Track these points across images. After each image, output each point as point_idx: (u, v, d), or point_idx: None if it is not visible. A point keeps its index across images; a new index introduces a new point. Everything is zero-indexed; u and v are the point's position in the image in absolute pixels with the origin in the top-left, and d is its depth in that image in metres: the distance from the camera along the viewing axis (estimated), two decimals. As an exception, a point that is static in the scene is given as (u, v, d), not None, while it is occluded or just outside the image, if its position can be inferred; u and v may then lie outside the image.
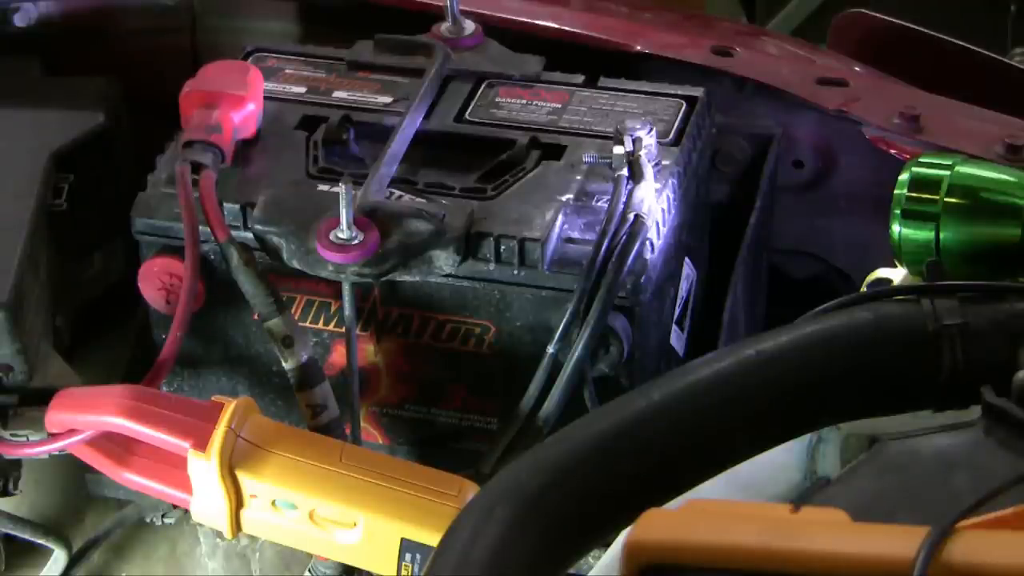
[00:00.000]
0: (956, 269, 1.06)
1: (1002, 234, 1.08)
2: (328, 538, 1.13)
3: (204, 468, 1.12)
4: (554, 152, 1.31)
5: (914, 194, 1.10)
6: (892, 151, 1.38)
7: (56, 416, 1.19)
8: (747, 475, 0.94)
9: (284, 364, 1.24)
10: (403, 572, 1.10)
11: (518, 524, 0.84)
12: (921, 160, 1.13)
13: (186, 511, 1.20)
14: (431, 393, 1.30)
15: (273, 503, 1.13)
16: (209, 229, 1.24)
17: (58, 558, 1.44)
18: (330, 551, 1.16)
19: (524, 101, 1.38)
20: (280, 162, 1.32)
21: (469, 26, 1.44)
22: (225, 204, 1.26)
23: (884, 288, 1.03)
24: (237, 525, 1.15)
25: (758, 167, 1.45)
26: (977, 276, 1.01)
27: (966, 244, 1.09)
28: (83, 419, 1.18)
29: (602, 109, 1.36)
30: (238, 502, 1.14)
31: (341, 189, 1.20)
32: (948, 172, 1.11)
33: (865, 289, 1.12)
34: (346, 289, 1.25)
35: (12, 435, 1.23)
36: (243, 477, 1.13)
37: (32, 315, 1.29)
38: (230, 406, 1.14)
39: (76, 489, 1.45)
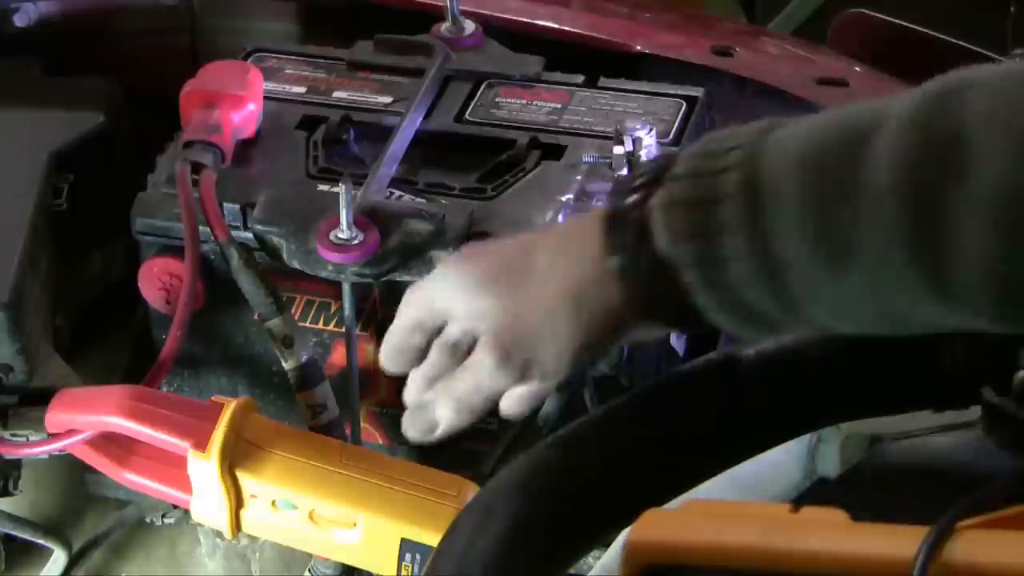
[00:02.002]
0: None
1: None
2: (328, 538, 1.13)
3: (204, 468, 1.12)
4: (554, 152, 1.32)
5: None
6: (892, 151, 1.38)
7: (56, 416, 1.19)
8: (747, 475, 0.94)
9: (284, 364, 1.24)
10: (403, 572, 1.10)
11: (518, 524, 0.84)
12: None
13: (186, 511, 1.20)
14: (431, 393, 1.30)
15: (273, 503, 1.13)
16: (209, 229, 1.24)
17: (58, 558, 1.44)
18: (330, 551, 1.16)
19: (524, 101, 1.38)
20: (280, 162, 1.32)
21: (469, 26, 1.44)
22: (225, 204, 1.26)
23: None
24: (237, 525, 1.15)
25: (758, 167, 1.45)
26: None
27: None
28: (83, 419, 1.18)
29: (602, 109, 1.36)
30: (238, 502, 1.14)
31: (341, 189, 1.20)
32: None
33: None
34: (346, 289, 1.25)
35: (12, 435, 1.23)
36: (243, 477, 1.13)
37: (32, 315, 1.29)
38: (230, 406, 1.14)
39: (76, 489, 1.45)
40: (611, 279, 0.89)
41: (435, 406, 0.98)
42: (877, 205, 0.79)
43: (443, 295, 0.97)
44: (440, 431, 0.99)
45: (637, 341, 0.98)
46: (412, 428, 1.00)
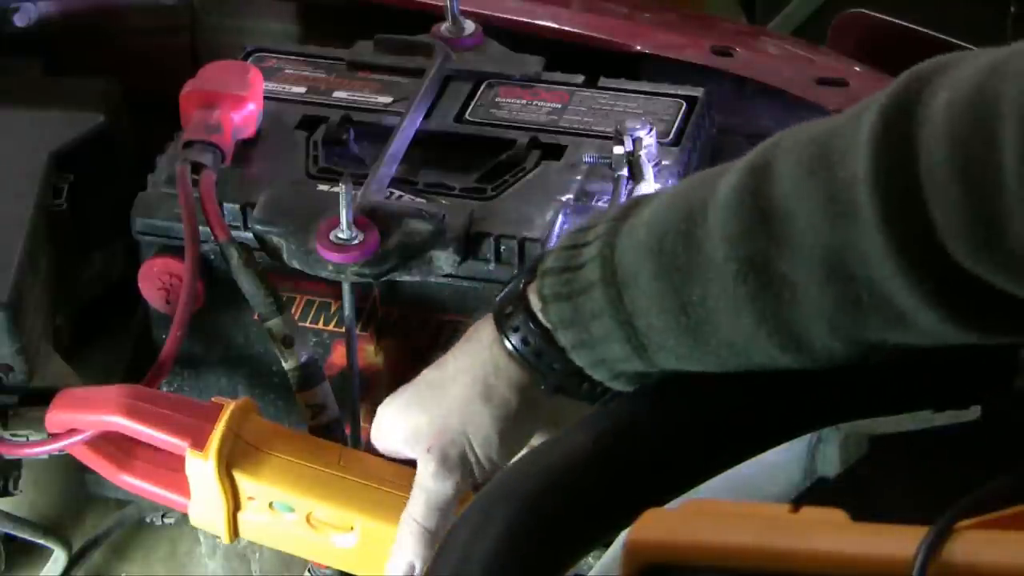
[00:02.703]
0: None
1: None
2: (325, 542, 1.13)
3: (202, 468, 1.12)
4: (554, 152, 1.32)
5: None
6: (892, 151, 1.38)
7: (56, 416, 1.19)
8: (747, 475, 0.94)
9: (284, 364, 1.24)
10: None
11: (518, 525, 0.84)
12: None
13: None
14: (431, 393, 1.30)
15: (270, 505, 1.13)
16: (209, 229, 1.24)
17: (58, 558, 1.44)
18: (327, 556, 1.15)
19: (524, 101, 1.38)
20: (280, 162, 1.32)
21: (469, 26, 1.44)
22: (225, 204, 1.26)
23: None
24: (235, 529, 1.15)
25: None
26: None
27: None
28: (83, 419, 1.18)
29: (602, 109, 1.36)
30: (235, 504, 1.13)
31: (341, 189, 1.20)
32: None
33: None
34: (346, 289, 1.25)
35: (12, 435, 1.23)
36: (240, 478, 1.12)
37: (32, 315, 1.29)
38: (229, 407, 1.14)
39: (76, 489, 1.45)
40: (510, 361, 0.95)
41: (402, 544, 1.02)
42: (719, 279, 0.84)
43: (385, 436, 1.03)
44: (418, 568, 1.02)
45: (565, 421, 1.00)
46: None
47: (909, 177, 0.78)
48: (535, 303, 0.92)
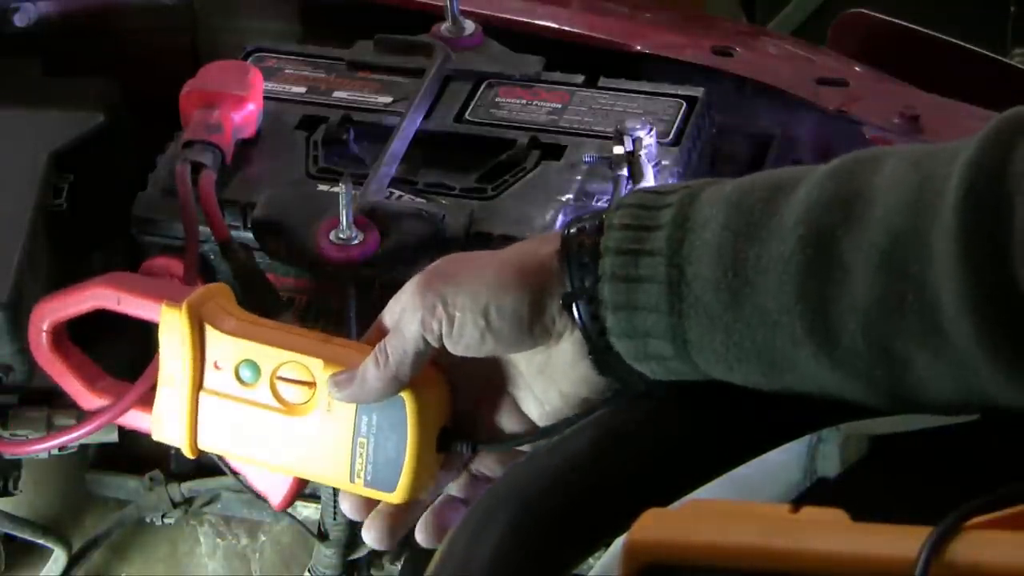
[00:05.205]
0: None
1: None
2: (288, 422, 1.03)
3: (174, 325, 1.04)
4: (554, 152, 1.32)
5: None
6: (892, 151, 1.38)
7: (41, 309, 1.15)
8: (747, 475, 0.94)
9: (284, 364, 1.24)
10: (358, 449, 1.01)
11: (520, 528, 0.84)
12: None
13: (187, 511, 1.18)
14: (431, 393, 1.30)
15: (236, 373, 1.04)
16: (209, 229, 1.24)
17: (58, 558, 1.44)
18: (288, 444, 1.03)
19: (524, 101, 1.38)
20: (280, 162, 1.32)
21: (469, 26, 1.44)
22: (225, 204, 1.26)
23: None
24: (194, 420, 1.05)
25: (758, 167, 1.45)
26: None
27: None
28: (68, 302, 1.14)
29: (602, 109, 1.36)
30: (200, 377, 1.05)
31: (341, 189, 1.20)
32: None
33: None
34: (346, 289, 1.25)
35: (12, 435, 1.23)
36: (211, 333, 1.04)
37: (32, 315, 1.28)
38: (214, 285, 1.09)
39: (76, 489, 1.45)
40: (553, 264, 0.92)
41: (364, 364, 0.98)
42: (781, 241, 0.85)
43: (397, 296, 0.97)
44: (367, 386, 0.98)
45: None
46: (336, 387, 0.99)
47: (1002, 188, 0.78)
48: (606, 229, 0.91)
